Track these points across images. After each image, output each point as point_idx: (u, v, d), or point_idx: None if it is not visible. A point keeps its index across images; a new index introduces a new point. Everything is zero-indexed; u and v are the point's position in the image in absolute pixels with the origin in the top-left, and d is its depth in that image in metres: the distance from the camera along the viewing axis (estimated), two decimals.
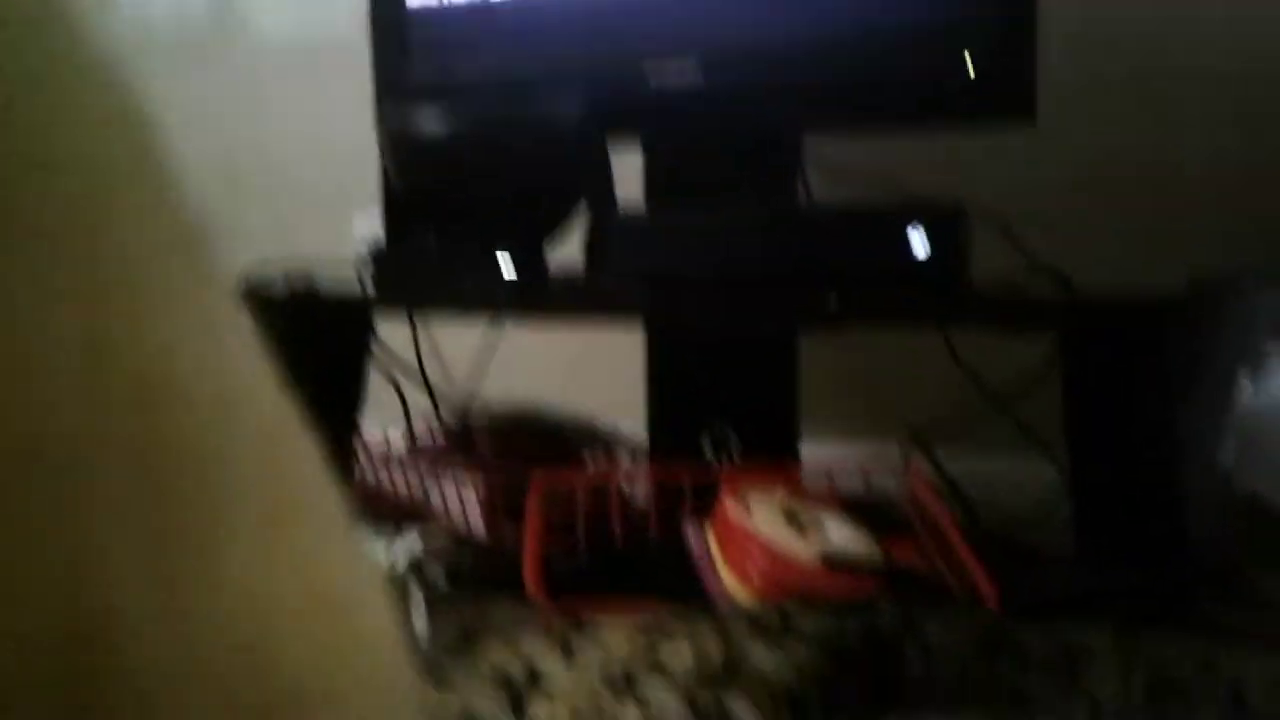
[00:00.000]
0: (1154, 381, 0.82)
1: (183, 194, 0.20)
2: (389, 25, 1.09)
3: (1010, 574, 0.75)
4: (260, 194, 1.55)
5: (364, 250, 1.08)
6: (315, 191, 1.51)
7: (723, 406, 1.02)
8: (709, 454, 1.00)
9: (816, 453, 1.07)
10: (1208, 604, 0.75)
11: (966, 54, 0.91)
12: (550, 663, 0.62)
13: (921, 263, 0.86)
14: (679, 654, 0.61)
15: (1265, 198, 1.13)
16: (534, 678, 0.61)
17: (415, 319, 1.17)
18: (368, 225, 1.42)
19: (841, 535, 0.76)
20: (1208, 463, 0.88)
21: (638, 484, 0.93)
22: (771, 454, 0.99)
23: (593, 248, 0.97)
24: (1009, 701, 0.62)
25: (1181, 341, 0.83)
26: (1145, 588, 0.76)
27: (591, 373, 1.32)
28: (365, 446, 1.05)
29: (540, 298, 0.96)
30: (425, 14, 1.08)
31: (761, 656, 0.62)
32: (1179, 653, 0.63)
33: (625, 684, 0.59)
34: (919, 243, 0.85)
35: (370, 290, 1.02)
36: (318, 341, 1.03)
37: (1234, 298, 0.90)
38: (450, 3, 1.07)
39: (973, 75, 0.91)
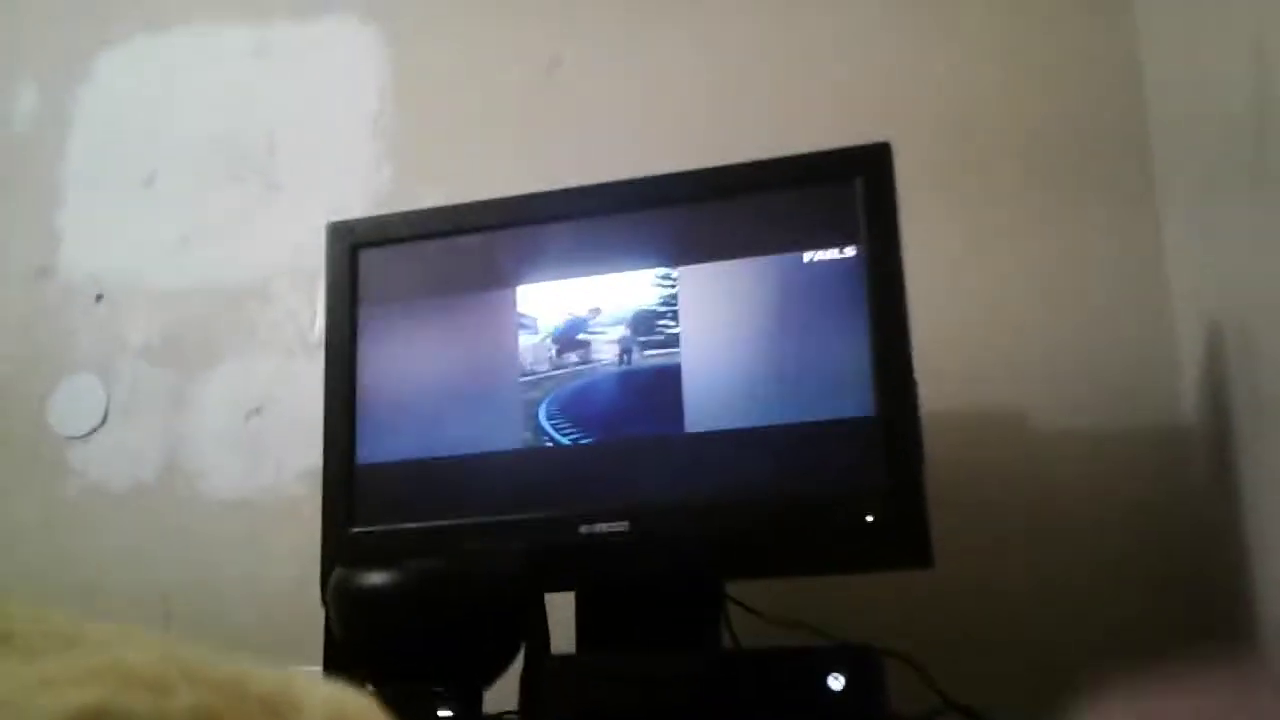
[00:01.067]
0: None
1: None
2: (339, 481, 1.19)
3: None
4: (193, 634, 1.56)
5: None
6: (254, 638, 1.53)
7: None
8: None
9: None
10: None
11: (866, 510, 1.02)
12: None
13: (841, 701, 0.91)
14: None
15: (1158, 609, 1.22)
16: None
17: None
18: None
19: None
20: None
21: None
22: None
23: (527, 690, 1.01)
24: None
25: None
26: None
27: None
28: None
29: None
30: (373, 469, 1.18)
31: None
32: None
33: None
34: (836, 683, 0.91)
35: None
36: None
37: None
38: (396, 460, 1.17)
39: (871, 526, 1.02)
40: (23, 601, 0.31)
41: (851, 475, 1.04)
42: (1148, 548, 1.26)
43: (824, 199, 1.10)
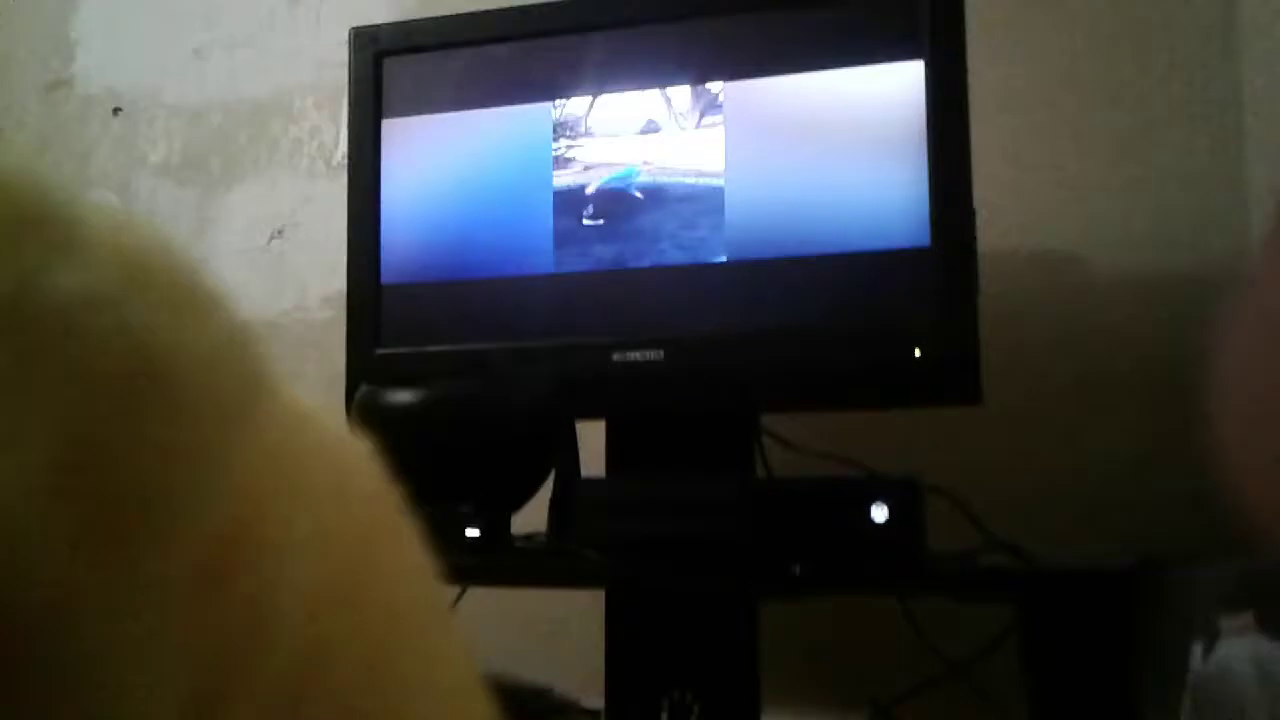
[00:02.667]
0: (1108, 651, 0.84)
1: None
2: (364, 300, 1.14)
3: None
4: None
5: None
6: None
7: (684, 675, 1.01)
8: None
9: None
10: None
11: (914, 343, 0.97)
12: None
13: (881, 534, 0.88)
14: None
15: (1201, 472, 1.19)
16: None
17: None
18: None
19: None
20: None
21: None
22: None
23: (557, 515, 0.99)
24: None
25: (1134, 613, 0.86)
26: None
27: (551, 641, 1.30)
28: None
29: (505, 563, 0.96)
30: (399, 291, 1.14)
31: None
32: None
33: None
34: (878, 514, 0.88)
35: None
36: None
37: (1188, 570, 0.93)
38: (424, 280, 1.13)
39: (919, 360, 0.97)
40: None
41: (901, 308, 0.99)
42: (1197, 395, 1.22)
43: (886, 8, 1.02)
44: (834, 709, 1.18)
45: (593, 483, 1.02)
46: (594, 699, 1.06)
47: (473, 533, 0.93)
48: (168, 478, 0.16)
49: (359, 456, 0.22)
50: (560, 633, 1.28)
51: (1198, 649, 0.91)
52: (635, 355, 1.04)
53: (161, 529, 0.16)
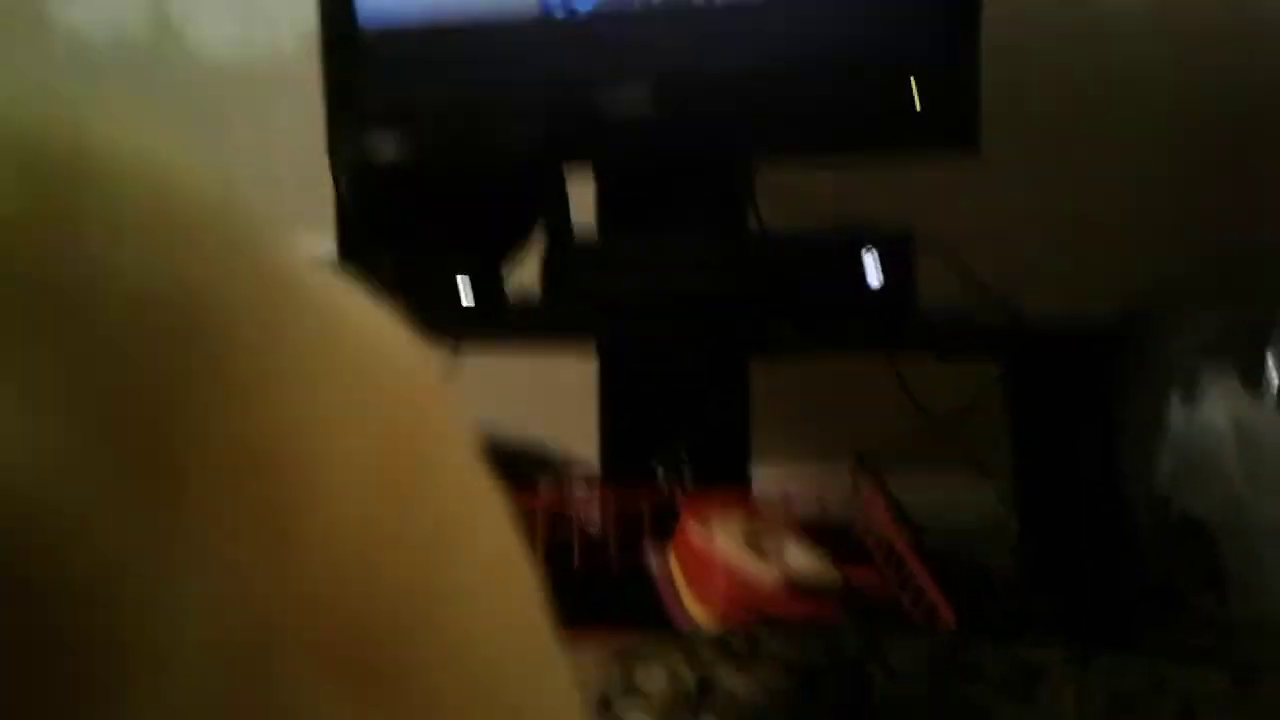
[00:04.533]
0: (1094, 406, 0.85)
1: None
2: (340, 46, 1.09)
3: (963, 595, 0.77)
4: None
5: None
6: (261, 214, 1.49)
7: (675, 431, 1.04)
8: (662, 479, 1.01)
9: (767, 476, 1.09)
10: (1150, 622, 0.78)
11: (913, 87, 0.94)
12: None
13: (871, 290, 0.88)
14: (653, 677, 0.62)
15: (1200, 222, 1.19)
16: None
17: None
18: (314, 245, 1.41)
19: (802, 559, 0.77)
20: (1146, 484, 0.91)
21: (594, 509, 0.94)
22: (724, 478, 1.01)
23: (548, 273, 0.98)
24: (970, 718, 0.64)
25: (1119, 366, 0.87)
26: (1091, 608, 0.79)
27: (544, 399, 1.33)
28: None
29: (497, 322, 0.96)
30: (377, 35, 1.08)
31: (731, 678, 0.63)
32: (1130, 670, 0.66)
33: (603, 708, 0.59)
34: (869, 269, 0.88)
35: None
36: None
37: (1169, 323, 0.94)
38: (404, 24, 1.07)
39: (918, 107, 0.94)
40: None
41: (899, 47, 0.95)
42: (1202, 142, 1.20)
43: None
44: (820, 462, 1.21)
45: (584, 242, 1.00)
46: (589, 460, 1.08)
47: (463, 289, 0.92)
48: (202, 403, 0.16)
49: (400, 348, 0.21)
50: (555, 398, 1.30)
51: (1177, 400, 0.94)
52: (622, 96, 1.00)
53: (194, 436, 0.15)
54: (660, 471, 0.99)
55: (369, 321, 0.21)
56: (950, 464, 1.04)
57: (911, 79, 0.93)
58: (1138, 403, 0.90)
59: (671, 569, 0.79)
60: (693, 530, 0.79)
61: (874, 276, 0.88)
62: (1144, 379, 0.91)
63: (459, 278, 0.92)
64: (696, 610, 0.75)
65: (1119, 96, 1.22)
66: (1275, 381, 0.84)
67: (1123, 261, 1.18)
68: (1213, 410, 0.89)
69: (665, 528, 0.85)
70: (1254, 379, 0.88)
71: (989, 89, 0.94)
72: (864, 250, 0.88)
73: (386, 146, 0.96)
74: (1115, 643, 0.73)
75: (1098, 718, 0.62)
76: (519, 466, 1.02)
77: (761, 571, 0.74)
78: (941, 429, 1.03)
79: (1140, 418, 0.90)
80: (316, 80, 1.11)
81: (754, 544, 0.78)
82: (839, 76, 0.97)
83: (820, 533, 0.84)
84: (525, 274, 1.00)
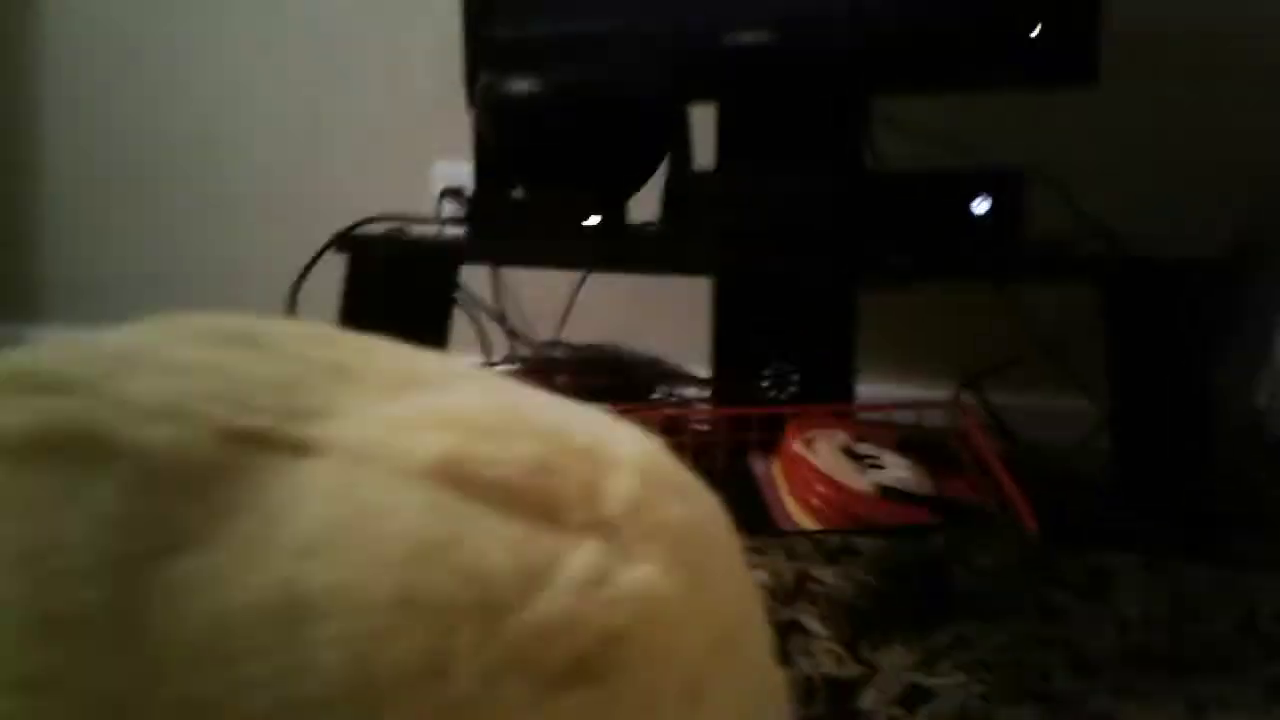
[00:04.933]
0: (1192, 331, 0.88)
1: None
2: None
3: (1049, 504, 0.82)
4: (341, 139, 1.63)
5: (445, 197, 1.15)
6: (394, 139, 1.59)
7: (784, 349, 1.10)
8: (770, 392, 1.07)
9: (872, 392, 1.15)
10: (1233, 537, 0.83)
11: (1032, 16, 0.96)
12: None
13: (981, 224, 0.92)
14: (757, 574, 0.69)
15: None
16: None
17: (495, 265, 1.26)
18: (448, 173, 1.50)
19: (897, 469, 0.83)
20: (1241, 406, 0.94)
21: (706, 419, 1.01)
22: (830, 394, 1.07)
23: (670, 203, 1.05)
24: (1045, 616, 0.70)
25: (1219, 295, 0.89)
26: (1175, 520, 0.83)
27: (661, 320, 1.40)
28: None
29: (621, 251, 1.04)
30: None
31: (826, 576, 0.71)
32: (1196, 576, 0.71)
33: None
34: (979, 206, 0.92)
35: (465, 239, 1.10)
36: (410, 284, 1.12)
37: (1269, 254, 0.96)
38: None
39: (1037, 36, 0.96)
40: (346, 332, 0.33)
41: None
42: None
43: None
44: (924, 380, 1.26)
45: (703, 174, 1.06)
46: (701, 370, 1.15)
47: (592, 221, 1.00)
48: None
49: None
50: (670, 313, 1.37)
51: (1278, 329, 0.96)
52: (746, 37, 1.05)
53: None
54: (768, 386, 1.06)
55: None
56: (1050, 382, 1.08)
57: (1030, 10, 0.95)
58: (1236, 328, 0.92)
59: (775, 475, 0.87)
60: (795, 442, 0.86)
61: (983, 213, 0.92)
62: (1243, 306, 0.93)
63: (585, 208, 0.99)
64: (797, 514, 0.82)
65: (1247, 35, 1.21)
66: None
67: (1234, 201, 1.18)
68: None
69: (773, 439, 0.91)
70: None
71: (1112, 24, 0.95)
72: (974, 187, 0.92)
73: (521, 82, 1.03)
74: (1194, 556, 0.78)
75: (1162, 618, 0.67)
76: (637, 376, 1.10)
77: (858, 480, 0.81)
78: (1043, 348, 1.06)
79: (1238, 342, 0.93)
80: (450, 11, 1.18)
81: (853, 455, 0.85)
82: (956, 9, 0.99)
83: (918, 446, 0.90)
84: (648, 202, 1.07)
